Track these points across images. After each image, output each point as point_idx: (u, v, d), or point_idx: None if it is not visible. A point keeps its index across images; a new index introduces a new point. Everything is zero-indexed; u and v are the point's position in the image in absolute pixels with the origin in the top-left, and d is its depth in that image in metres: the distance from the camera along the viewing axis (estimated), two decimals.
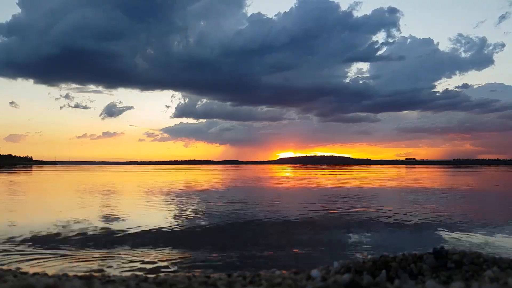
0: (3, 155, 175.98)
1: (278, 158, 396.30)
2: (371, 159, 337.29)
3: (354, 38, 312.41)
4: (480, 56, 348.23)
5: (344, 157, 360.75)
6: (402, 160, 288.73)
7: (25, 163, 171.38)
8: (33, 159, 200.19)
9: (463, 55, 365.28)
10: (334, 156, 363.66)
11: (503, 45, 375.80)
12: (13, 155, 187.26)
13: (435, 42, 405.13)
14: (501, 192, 13.96)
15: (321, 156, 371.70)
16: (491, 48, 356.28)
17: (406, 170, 46.95)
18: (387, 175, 29.01)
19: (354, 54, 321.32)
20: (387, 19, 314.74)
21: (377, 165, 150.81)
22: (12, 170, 49.09)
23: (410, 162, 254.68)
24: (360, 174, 31.08)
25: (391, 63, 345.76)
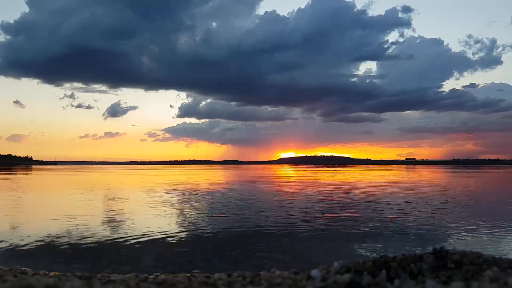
0: (2, 155, 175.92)
1: (278, 158, 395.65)
2: (371, 159, 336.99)
3: (366, 37, 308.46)
4: (489, 57, 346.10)
5: (344, 157, 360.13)
6: (402, 160, 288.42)
7: (25, 163, 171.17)
8: (33, 159, 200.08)
9: (471, 56, 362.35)
10: (334, 156, 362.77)
11: None
12: (13, 155, 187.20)
13: (445, 43, 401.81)
14: (500, 192, 13.95)
15: (321, 156, 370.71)
16: (500, 49, 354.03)
17: (398, 171, 46.88)
18: (378, 176, 28.99)
19: (364, 53, 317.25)
20: (400, 18, 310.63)
21: (376, 165, 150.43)
22: (11, 170, 49.04)
23: (409, 162, 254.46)
24: (350, 175, 31.07)
25: (400, 62, 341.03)
